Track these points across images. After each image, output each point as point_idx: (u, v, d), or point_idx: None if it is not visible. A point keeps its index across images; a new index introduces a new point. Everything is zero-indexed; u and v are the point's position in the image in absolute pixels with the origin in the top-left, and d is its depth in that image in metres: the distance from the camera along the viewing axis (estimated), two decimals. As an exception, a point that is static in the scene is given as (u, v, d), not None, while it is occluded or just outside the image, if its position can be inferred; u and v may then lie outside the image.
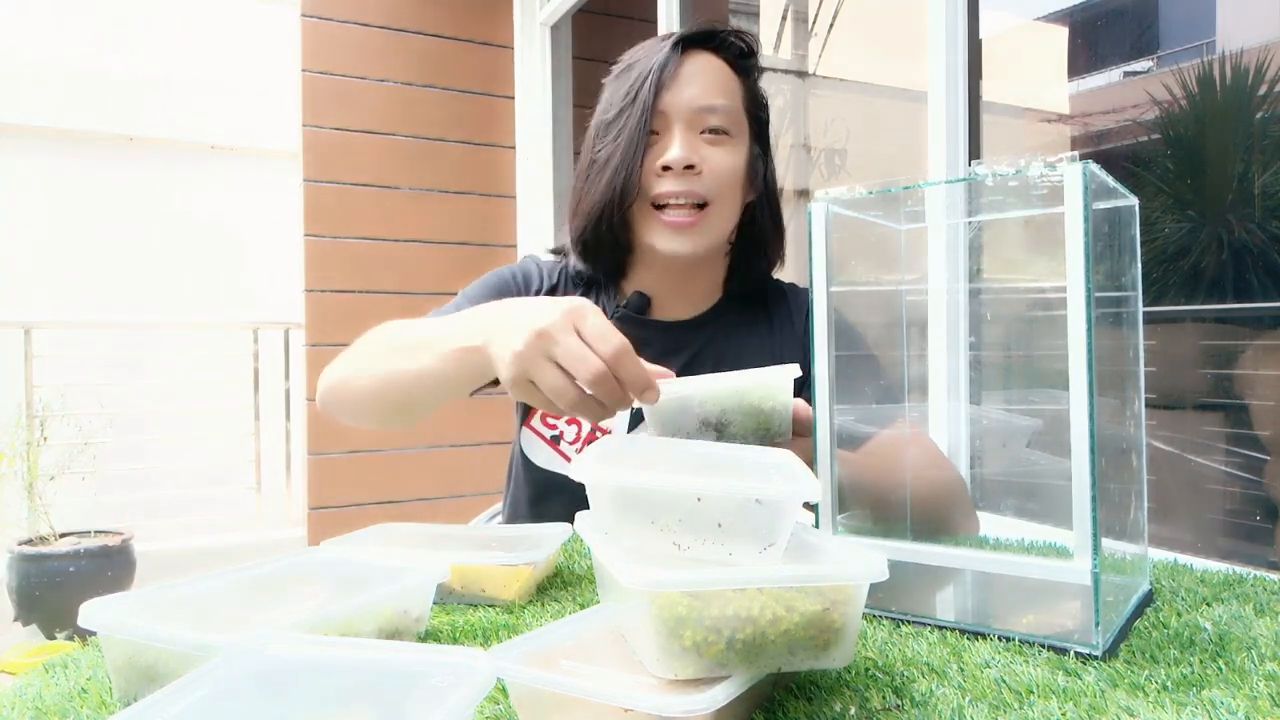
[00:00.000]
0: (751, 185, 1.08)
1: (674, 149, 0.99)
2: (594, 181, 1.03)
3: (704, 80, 1.02)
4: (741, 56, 1.07)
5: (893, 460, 0.81)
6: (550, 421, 1.11)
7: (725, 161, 1.02)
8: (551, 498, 1.10)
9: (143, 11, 4.81)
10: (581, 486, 0.55)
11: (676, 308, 1.13)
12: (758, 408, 0.75)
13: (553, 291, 1.13)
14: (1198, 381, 1.54)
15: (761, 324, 1.14)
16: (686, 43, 1.04)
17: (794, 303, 1.16)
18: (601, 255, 1.08)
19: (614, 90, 1.05)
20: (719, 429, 0.75)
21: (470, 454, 2.78)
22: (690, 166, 1.00)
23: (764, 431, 0.75)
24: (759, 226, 1.10)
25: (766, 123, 1.11)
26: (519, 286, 1.13)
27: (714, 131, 1.02)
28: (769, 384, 0.74)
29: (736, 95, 1.05)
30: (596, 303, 1.12)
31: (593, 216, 1.04)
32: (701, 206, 1.02)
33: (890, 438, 0.82)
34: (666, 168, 1.00)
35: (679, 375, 1.05)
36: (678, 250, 1.02)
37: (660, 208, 1.02)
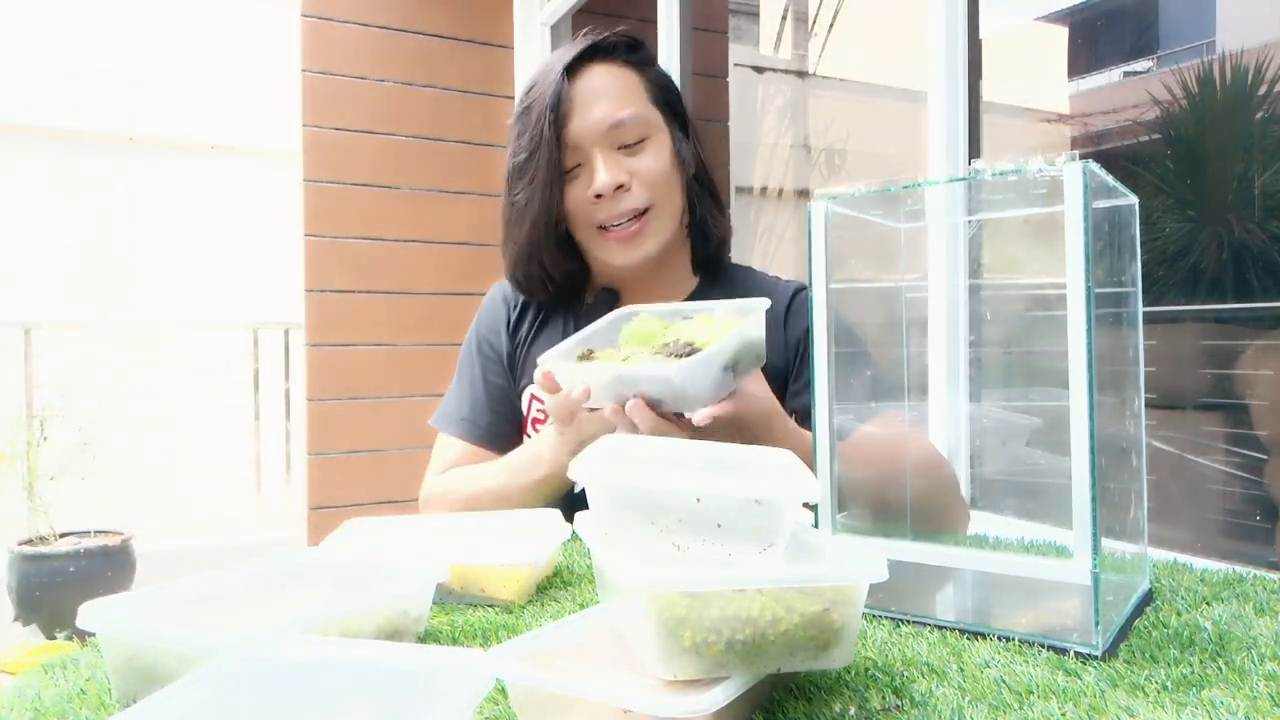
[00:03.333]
0: (683, 169, 1.09)
1: (599, 176, 1.01)
2: (517, 225, 1.06)
3: (605, 97, 1.03)
4: (630, 52, 1.07)
5: (884, 446, 0.82)
6: (538, 428, 1.11)
7: (651, 164, 1.04)
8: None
9: (143, 11, 4.81)
10: (583, 491, 0.55)
11: (649, 299, 1.13)
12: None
13: (523, 311, 1.17)
14: (1198, 381, 1.53)
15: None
16: (572, 67, 1.04)
17: (774, 293, 1.15)
18: (534, 289, 1.12)
19: (519, 131, 1.06)
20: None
21: (470, 454, 2.78)
22: (620, 186, 1.02)
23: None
24: (698, 200, 1.11)
25: (678, 101, 1.11)
26: (490, 331, 1.18)
27: (631, 144, 1.04)
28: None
29: (640, 95, 1.06)
30: (565, 307, 1.16)
31: (521, 259, 1.08)
32: (643, 212, 1.04)
33: (882, 425, 0.83)
34: (599, 195, 1.02)
35: None
36: (632, 260, 1.06)
37: (605, 228, 1.05)
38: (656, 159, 1.04)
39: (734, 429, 0.82)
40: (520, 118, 1.06)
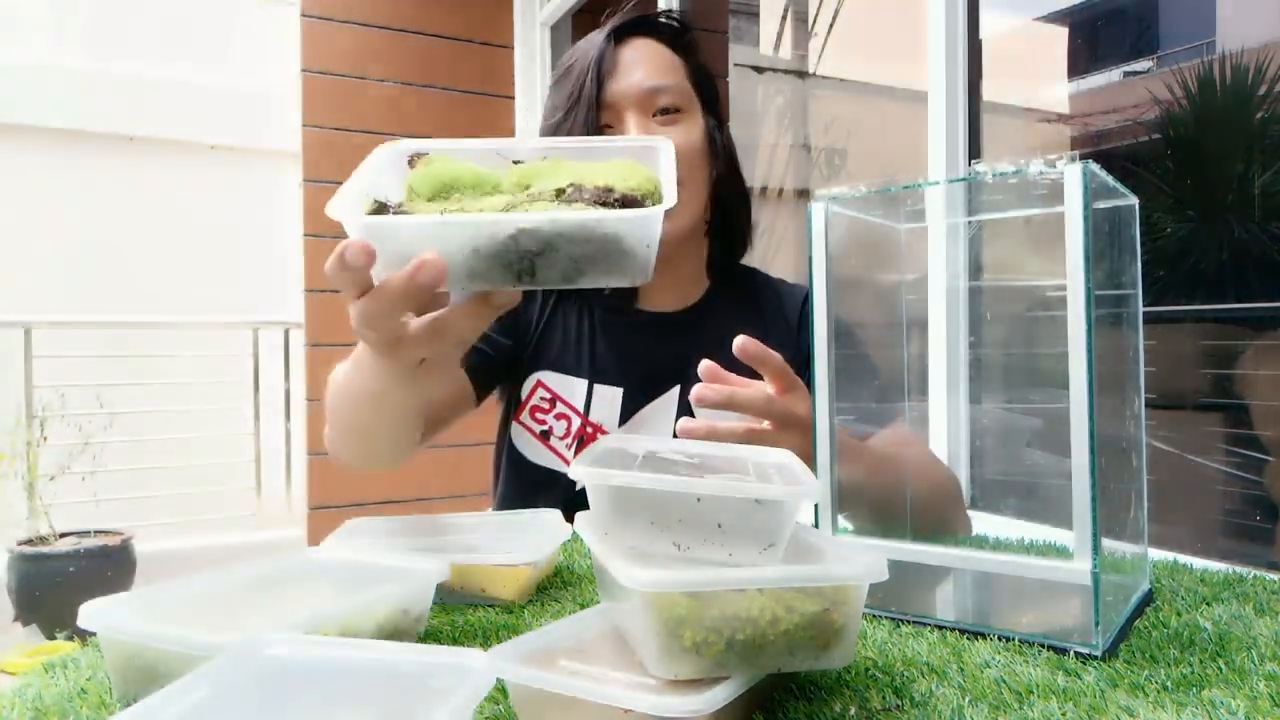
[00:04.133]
0: (714, 159, 1.08)
1: (630, 135, 1.01)
2: None
3: (646, 64, 1.03)
4: (677, 35, 1.08)
5: (894, 457, 0.81)
6: (539, 417, 1.11)
7: (682, 139, 1.02)
8: (544, 493, 1.10)
9: (143, 12, 4.81)
10: (583, 491, 0.55)
11: (664, 297, 1.13)
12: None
13: (529, 298, 1.13)
14: (1198, 381, 1.54)
15: (752, 316, 1.13)
16: (620, 32, 1.04)
17: (787, 298, 1.15)
18: None
19: (557, 94, 1.05)
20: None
21: (470, 454, 2.78)
22: None
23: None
24: (728, 201, 1.10)
25: (717, 96, 1.11)
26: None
27: (666, 112, 1.03)
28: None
29: (681, 72, 1.06)
30: (581, 298, 1.13)
31: None
32: None
33: (887, 437, 0.82)
34: None
35: (672, 368, 1.06)
36: None
37: None
38: (688, 134, 1.04)
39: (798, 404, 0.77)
40: (559, 81, 1.06)
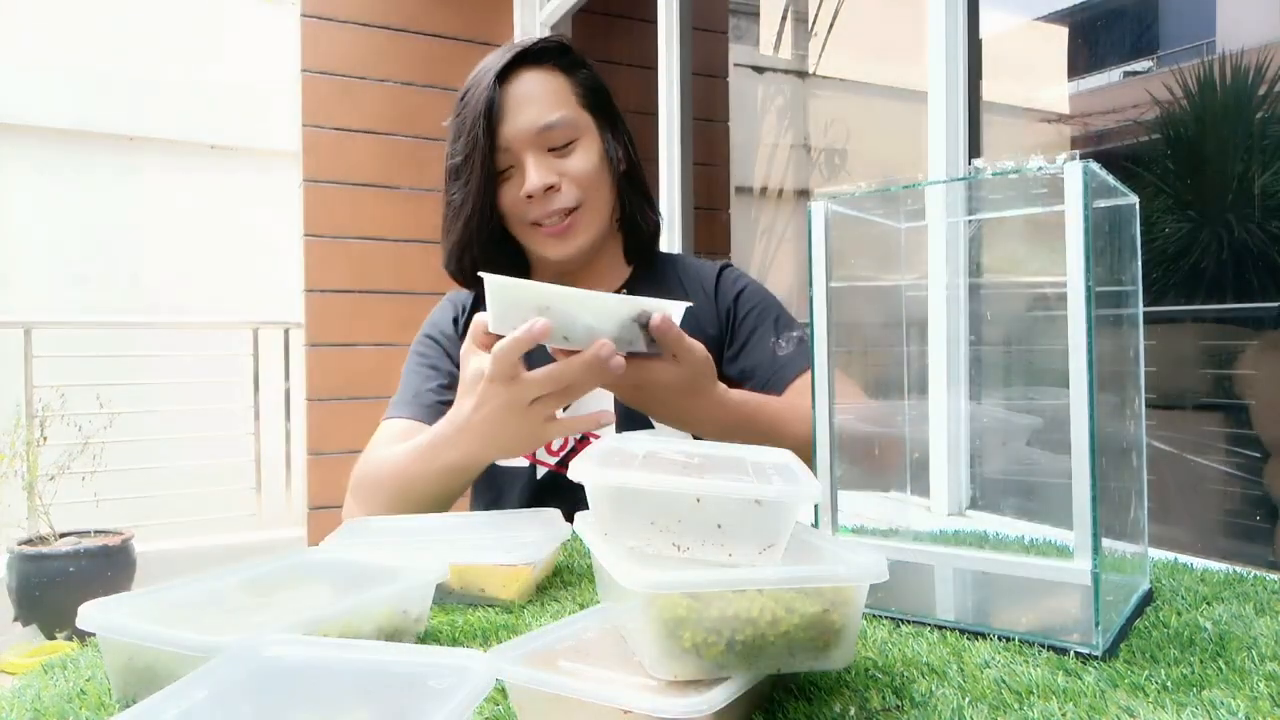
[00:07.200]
0: (613, 168, 1.13)
1: (530, 179, 1.06)
2: (453, 222, 1.12)
3: (534, 101, 1.07)
4: (559, 56, 1.11)
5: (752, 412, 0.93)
6: None
7: (581, 165, 1.09)
8: (507, 490, 1.14)
9: (143, 11, 4.81)
10: (583, 491, 0.55)
11: (588, 285, 1.15)
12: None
13: (472, 313, 1.21)
14: (1198, 381, 1.54)
15: (678, 297, 1.15)
16: (503, 73, 1.07)
17: (703, 272, 1.21)
18: (469, 280, 1.17)
19: (455, 134, 1.10)
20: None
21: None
22: (550, 187, 1.07)
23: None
24: (628, 196, 1.17)
25: (608, 102, 1.14)
26: (441, 335, 1.22)
27: (561, 146, 1.08)
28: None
29: (569, 98, 1.10)
30: None
31: (454, 253, 1.13)
32: (573, 210, 1.09)
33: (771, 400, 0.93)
34: (530, 196, 1.07)
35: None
36: (565, 254, 1.12)
37: (538, 224, 1.10)
38: (585, 160, 1.09)
39: (688, 370, 0.84)
40: (455, 121, 1.11)
